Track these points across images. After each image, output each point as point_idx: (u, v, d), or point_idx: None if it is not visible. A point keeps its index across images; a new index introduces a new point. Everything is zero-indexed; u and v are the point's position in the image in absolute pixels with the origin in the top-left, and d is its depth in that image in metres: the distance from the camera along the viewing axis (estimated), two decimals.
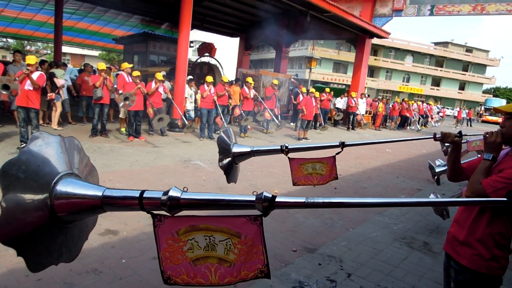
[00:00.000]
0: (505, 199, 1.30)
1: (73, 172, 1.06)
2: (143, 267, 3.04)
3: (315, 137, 12.13)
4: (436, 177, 4.59)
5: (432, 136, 2.09)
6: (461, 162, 2.03)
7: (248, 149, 2.01)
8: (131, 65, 8.86)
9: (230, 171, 2.03)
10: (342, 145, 2.17)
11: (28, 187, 0.93)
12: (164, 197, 0.98)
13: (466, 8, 14.51)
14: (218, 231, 1.03)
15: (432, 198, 4.36)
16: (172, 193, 0.98)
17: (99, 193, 1.02)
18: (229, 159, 1.99)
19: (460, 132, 2.02)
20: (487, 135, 1.78)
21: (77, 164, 1.10)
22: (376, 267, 3.48)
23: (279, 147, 2.05)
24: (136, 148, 7.75)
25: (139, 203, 1.00)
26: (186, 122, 8.90)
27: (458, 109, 29.74)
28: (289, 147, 2.05)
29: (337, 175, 2.35)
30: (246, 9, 15.23)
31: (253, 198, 0.99)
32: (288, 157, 2.22)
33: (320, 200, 1.01)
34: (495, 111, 1.91)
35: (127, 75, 8.47)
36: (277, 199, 0.98)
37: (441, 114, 26.21)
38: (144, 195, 1.00)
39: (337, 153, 2.29)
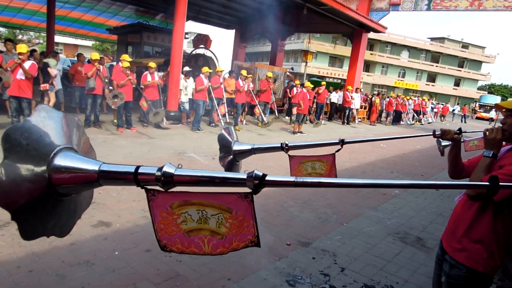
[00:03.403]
0: (487, 183, 1.25)
1: (72, 147, 1.09)
2: (136, 259, 3.02)
3: (310, 131, 12.12)
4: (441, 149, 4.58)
5: (431, 133, 2.07)
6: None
7: (249, 147, 2.03)
8: (129, 59, 8.87)
9: (231, 169, 2.06)
10: (342, 142, 2.15)
11: (29, 154, 0.95)
12: (159, 173, 1.00)
13: (463, 4, 14.49)
14: (210, 206, 1.06)
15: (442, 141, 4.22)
16: (166, 169, 1.00)
17: (96, 167, 1.05)
18: (230, 157, 2.02)
19: (460, 129, 1.99)
20: (487, 132, 1.77)
21: (77, 140, 1.14)
22: (370, 262, 3.49)
23: (279, 145, 2.06)
24: (130, 139, 7.68)
25: (134, 178, 1.02)
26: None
27: (443, 104, 28.94)
28: (289, 144, 2.05)
29: (336, 175, 2.34)
30: (242, 0, 15.08)
31: (244, 176, 1.00)
32: (288, 155, 2.20)
33: (309, 179, 1.02)
34: (497, 107, 1.89)
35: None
36: (267, 178, 0.99)
37: (435, 110, 26.21)
38: (139, 171, 1.02)
39: (337, 151, 2.27)
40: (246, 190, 1.03)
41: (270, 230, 3.90)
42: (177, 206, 1.06)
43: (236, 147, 2.00)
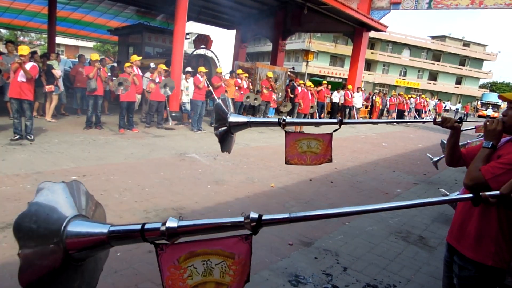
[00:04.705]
0: (471, 195, 1.36)
1: (80, 213, 1.18)
2: (139, 260, 3.02)
3: (311, 130, 12.11)
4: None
5: (432, 120, 2.10)
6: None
7: (245, 120, 1.98)
8: (140, 58, 8.88)
9: (225, 140, 2.01)
10: (340, 122, 2.14)
11: (41, 235, 1.05)
12: (163, 228, 1.08)
13: (464, 2, 14.45)
14: (214, 254, 1.14)
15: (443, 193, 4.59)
16: (169, 223, 1.09)
17: (105, 230, 1.13)
18: (225, 128, 1.97)
19: (460, 118, 2.03)
20: (488, 123, 1.78)
21: (83, 205, 1.23)
22: (372, 261, 3.48)
23: (277, 120, 2.02)
24: (132, 140, 7.68)
25: (141, 235, 1.10)
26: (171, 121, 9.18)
27: (437, 101, 28.05)
28: (286, 120, 2.01)
29: (331, 157, 2.31)
30: (243, 0, 15.09)
31: (242, 219, 1.09)
32: (285, 131, 2.18)
33: (302, 214, 1.13)
34: (500, 98, 1.90)
35: (137, 68, 8.58)
36: (263, 217, 1.09)
37: (436, 108, 26.04)
38: (145, 227, 1.11)
39: (335, 130, 2.25)
40: (246, 232, 1.11)
41: (272, 230, 3.89)
42: (183, 260, 1.13)
43: (232, 118, 1.96)
